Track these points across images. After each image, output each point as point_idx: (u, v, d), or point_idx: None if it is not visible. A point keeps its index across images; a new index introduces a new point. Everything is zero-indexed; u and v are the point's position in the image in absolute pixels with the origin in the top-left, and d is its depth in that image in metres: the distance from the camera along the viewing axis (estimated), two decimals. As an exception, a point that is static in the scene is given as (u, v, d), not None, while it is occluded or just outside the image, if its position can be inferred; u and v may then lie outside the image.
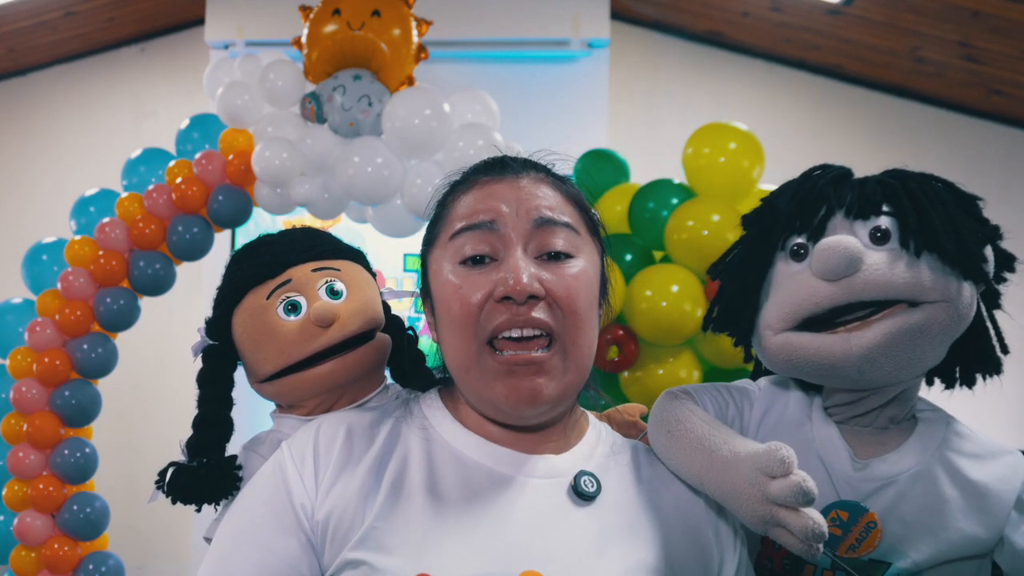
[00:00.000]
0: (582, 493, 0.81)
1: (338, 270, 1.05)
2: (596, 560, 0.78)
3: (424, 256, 0.91)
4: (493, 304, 0.80)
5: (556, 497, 0.81)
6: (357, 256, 1.11)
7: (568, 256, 0.83)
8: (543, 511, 0.80)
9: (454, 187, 0.90)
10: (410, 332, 1.13)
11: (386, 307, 1.11)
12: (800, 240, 0.93)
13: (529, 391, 0.79)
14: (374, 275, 1.12)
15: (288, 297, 1.01)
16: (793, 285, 0.93)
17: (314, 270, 1.03)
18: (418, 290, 0.95)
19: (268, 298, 1.02)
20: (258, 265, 1.04)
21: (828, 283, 0.88)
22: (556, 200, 0.85)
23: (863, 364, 0.88)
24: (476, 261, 0.82)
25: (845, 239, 0.88)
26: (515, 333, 0.79)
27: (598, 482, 0.83)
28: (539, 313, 0.79)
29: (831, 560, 0.92)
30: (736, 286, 1.00)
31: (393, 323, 1.11)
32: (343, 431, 0.85)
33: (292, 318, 1.00)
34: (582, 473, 0.83)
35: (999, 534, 0.90)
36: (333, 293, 1.02)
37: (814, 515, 0.77)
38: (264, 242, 1.08)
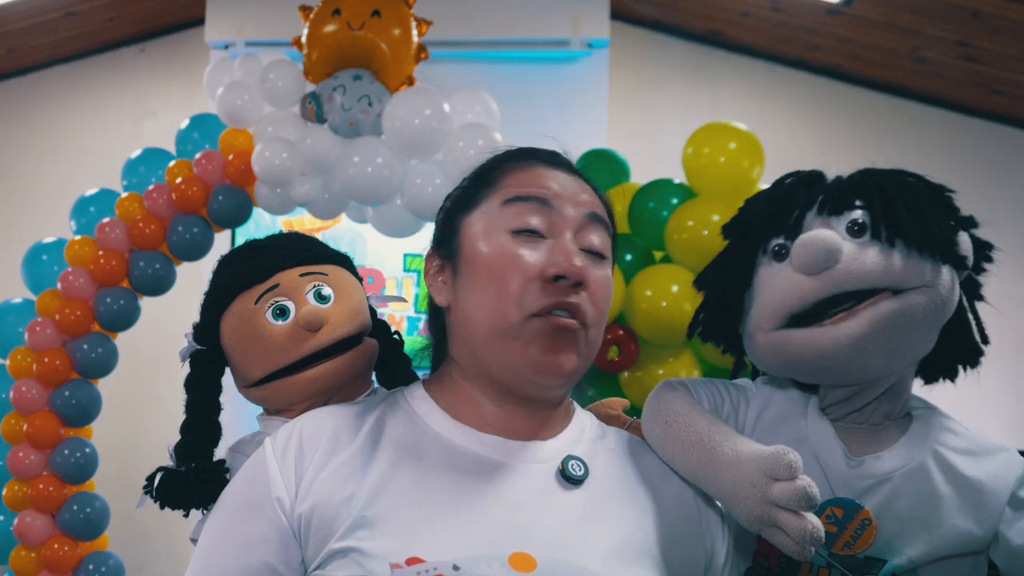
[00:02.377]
0: (570, 477, 0.82)
1: (325, 274, 1.05)
2: (585, 541, 0.78)
3: (456, 217, 0.89)
4: (541, 282, 0.81)
5: (544, 481, 0.82)
6: (343, 261, 1.11)
7: (602, 257, 0.86)
8: (531, 494, 0.80)
9: (506, 157, 0.91)
10: (396, 336, 1.14)
11: (373, 310, 1.11)
12: (780, 240, 0.95)
13: (558, 362, 0.81)
14: (360, 280, 1.13)
15: (276, 301, 1.01)
16: (776, 283, 0.94)
17: (302, 275, 1.03)
18: (430, 248, 0.94)
19: (256, 303, 1.02)
20: (246, 270, 1.04)
21: (810, 277, 0.90)
22: (597, 201, 0.89)
23: (852, 353, 0.89)
24: (529, 233, 0.83)
25: (823, 232, 0.90)
26: (559, 314, 0.81)
27: (586, 466, 0.84)
28: (580, 301, 0.81)
29: (827, 557, 0.92)
30: (719, 295, 1.03)
31: (379, 328, 1.11)
32: (328, 425, 0.84)
33: (280, 323, 1.01)
34: (570, 457, 0.84)
35: (994, 531, 0.91)
36: (321, 298, 1.02)
37: (812, 519, 0.77)
38: (251, 247, 1.08)
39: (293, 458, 0.81)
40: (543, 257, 0.81)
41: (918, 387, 1.02)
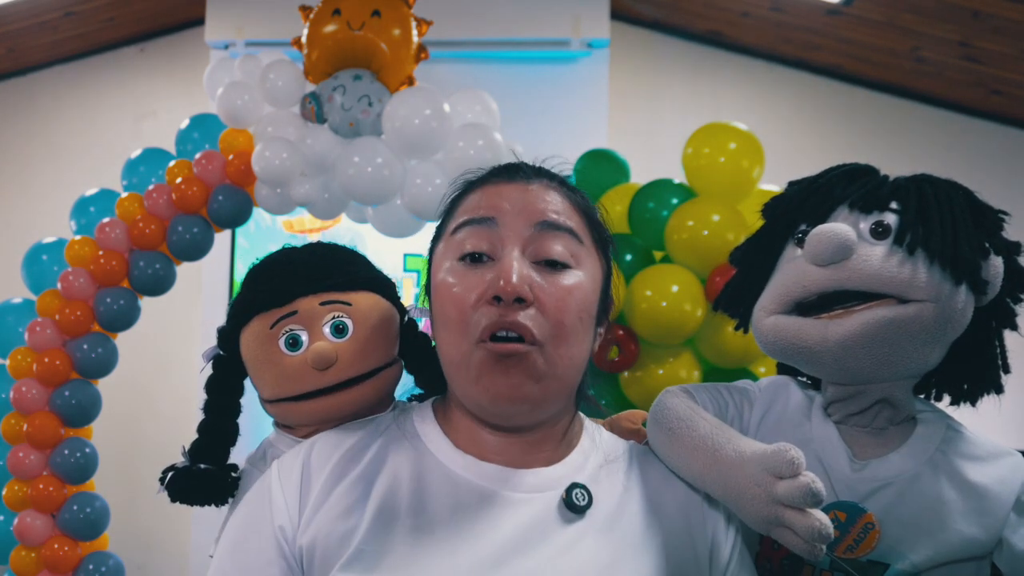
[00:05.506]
0: (573, 506, 0.81)
1: (348, 304, 1.01)
2: (585, 575, 0.77)
3: (430, 252, 0.91)
4: (484, 305, 0.79)
5: (547, 512, 0.81)
6: (379, 285, 1.06)
7: (566, 266, 0.82)
8: (532, 527, 0.79)
9: (468, 186, 0.90)
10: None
11: (413, 324, 1.08)
12: (804, 227, 0.95)
13: (509, 388, 0.78)
14: (399, 304, 1.08)
15: (291, 331, 0.99)
16: (789, 269, 0.95)
17: (323, 303, 1.00)
18: (420, 288, 0.95)
19: (272, 327, 1.00)
20: (268, 292, 1.01)
21: (818, 268, 0.90)
22: (563, 206, 0.85)
23: (840, 352, 0.89)
24: (475, 259, 0.82)
25: (837, 226, 0.89)
26: (500, 334, 0.79)
27: (589, 495, 0.82)
28: (525, 319, 0.78)
29: (830, 560, 0.92)
30: (744, 271, 1.03)
31: (418, 341, 1.08)
32: (334, 454, 0.84)
33: (293, 353, 0.99)
34: (574, 486, 0.82)
35: (998, 536, 0.90)
36: (338, 331, 0.99)
37: (820, 516, 0.77)
38: (281, 261, 1.05)
39: (297, 488, 0.82)
40: (486, 278, 0.80)
41: (945, 404, 1.01)
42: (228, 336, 1.05)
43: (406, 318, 1.08)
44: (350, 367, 0.99)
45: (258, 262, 1.07)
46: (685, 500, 0.87)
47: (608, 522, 0.82)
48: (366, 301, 1.03)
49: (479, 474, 0.82)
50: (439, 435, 0.86)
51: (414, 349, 1.06)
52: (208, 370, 1.08)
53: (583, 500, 0.81)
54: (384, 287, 1.07)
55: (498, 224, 0.82)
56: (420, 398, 1.05)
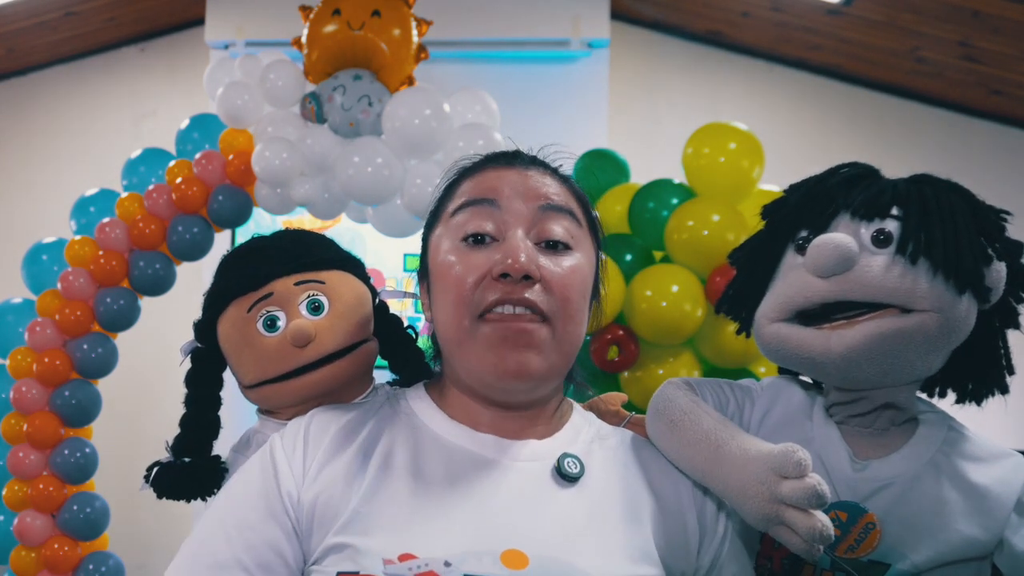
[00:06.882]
0: (565, 475, 0.82)
1: (322, 283, 1.03)
2: (578, 539, 0.78)
3: (425, 237, 0.92)
4: (489, 281, 0.81)
5: (540, 479, 0.82)
6: (349, 264, 1.09)
7: (566, 247, 0.84)
8: (526, 492, 0.81)
9: (463, 172, 0.92)
10: (410, 331, 1.13)
11: (385, 306, 1.11)
12: (805, 234, 0.94)
13: (517, 364, 0.80)
14: (368, 282, 1.10)
15: (268, 312, 1.01)
16: (790, 278, 0.94)
17: (297, 283, 1.02)
18: (415, 273, 0.96)
19: (249, 311, 1.01)
20: (242, 276, 1.03)
21: (820, 279, 0.90)
22: (560, 190, 0.88)
23: (842, 363, 0.89)
24: (477, 240, 0.83)
25: (839, 237, 0.89)
26: (507, 310, 0.80)
27: (582, 464, 0.84)
28: (532, 295, 0.80)
29: (831, 560, 0.92)
30: (746, 275, 1.03)
31: (389, 324, 1.10)
32: (333, 422, 0.86)
33: (271, 334, 1.01)
34: (565, 455, 0.84)
35: (999, 536, 0.90)
36: (314, 309, 1.01)
37: (822, 517, 0.77)
38: (252, 249, 1.07)
39: (301, 452, 0.83)
40: (491, 258, 0.81)
41: (947, 405, 1.01)
42: (205, 327, 1.07)
43: (377, 300, 1.10)
44: (328, 343, 1.00)
45: (228, 254, 1.09)
46: (678, 481, 0.89)
47: (600, 491, 0.84)
48: (339, 279, 1.05)
49: (473, 443, 0.84)
50: (434, 410, 0.88)
51: (387, 330, 1.09)
52: (187, 364, 1.09)
53: (575, 468, 0.83)
54: (354, 266, 1.09)
55: (500, 206, 0.84)
56: (399, 384, 1.06)
